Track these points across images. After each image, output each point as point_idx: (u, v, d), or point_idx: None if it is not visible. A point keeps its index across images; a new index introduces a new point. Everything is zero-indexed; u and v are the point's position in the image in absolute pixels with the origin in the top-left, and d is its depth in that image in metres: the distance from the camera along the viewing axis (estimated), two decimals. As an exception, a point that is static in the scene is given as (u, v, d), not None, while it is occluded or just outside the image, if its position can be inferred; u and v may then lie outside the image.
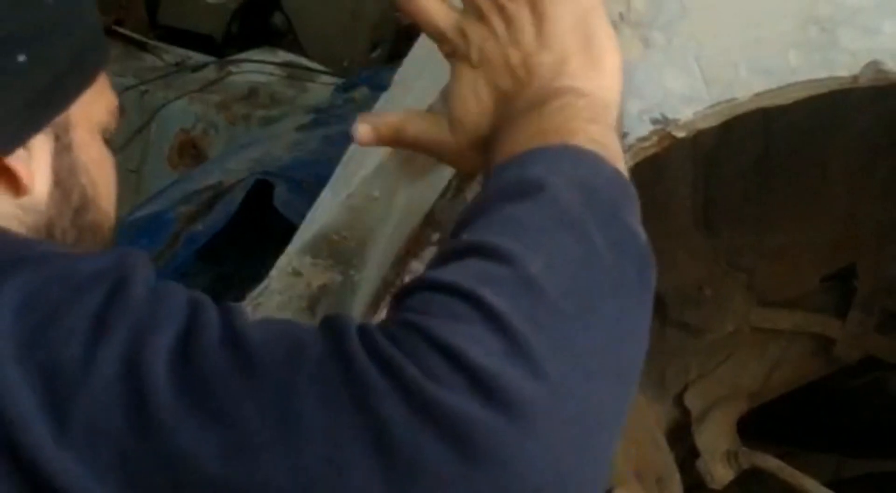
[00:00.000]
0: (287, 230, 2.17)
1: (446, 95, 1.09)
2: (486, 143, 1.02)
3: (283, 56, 4.06)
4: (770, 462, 1.88)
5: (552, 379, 0.80)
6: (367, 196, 1.51)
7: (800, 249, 1.86)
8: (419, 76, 1.59)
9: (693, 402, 1.89)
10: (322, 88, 3.80)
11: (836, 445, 2.19)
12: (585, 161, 0.94)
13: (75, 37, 1.04)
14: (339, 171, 1.76)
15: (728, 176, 1.78)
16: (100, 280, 0.87)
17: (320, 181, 1.99)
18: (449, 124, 1.07)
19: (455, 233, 0.92)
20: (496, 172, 0.95)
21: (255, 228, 2.59)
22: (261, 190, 2.63)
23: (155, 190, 2.99)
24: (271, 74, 3.91)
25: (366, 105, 2.94)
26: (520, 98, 1.02)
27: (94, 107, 1.06)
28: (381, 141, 1.12)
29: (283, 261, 1.65)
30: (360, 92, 3.33)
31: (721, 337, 1.90)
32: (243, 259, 2.50)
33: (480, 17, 1.05)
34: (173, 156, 3.60)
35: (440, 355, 0.80)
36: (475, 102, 1.05)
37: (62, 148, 1.03)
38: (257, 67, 3.95)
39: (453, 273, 0.85)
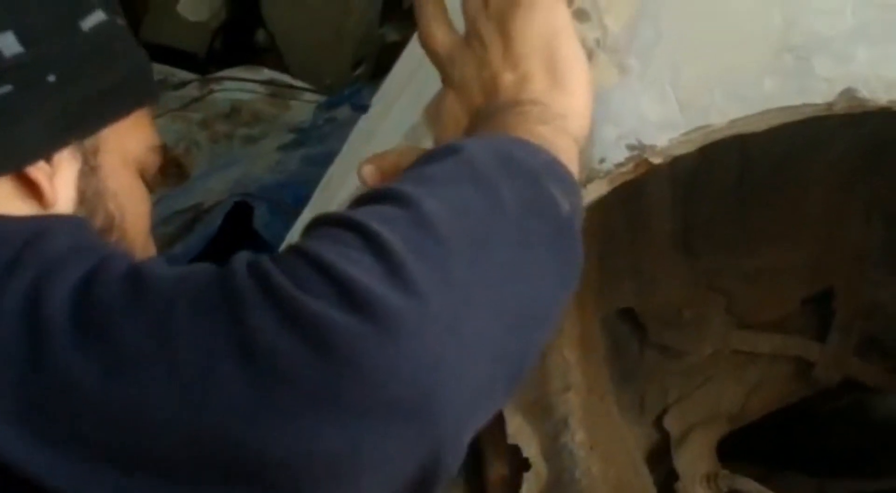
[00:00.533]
0: (266, 250, 2.17)
1: (433, 121, 1.11)
2: None
3: (267, 74, 4.04)
4: (750, 485, 1.87)
5: (424, 298, 0.81)
6: (345, 220, 1.50)
7: (779, 272, 1.86)
8: (399, 96, 1.59)
9: (672, 425, 1.88)
10: (305, 105, 3.79)
11: (817, 466, 2.19)
12: (518, 144, 0.95)
13: (112, 68, 1.08)
14: (318, 193, 1.76)
15: (707, 199, 1.78)
16: (24, 232, 0.91)
17: (300, 203, 1.99)
18: None
19: None
20: None
21: (233, 248, 2.58)
22: (240, 211, 2.62)
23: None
24: (254, 92, 3.90)
25: (347, 125, 2.93)
26: (484, 111, 1.04)
27: (131, 140, 1.10)
28: (385, 180, 1.13)
29: (261, 284, 1.64)
30: (342, 112, 3.33)
31: (700, 360, 1.90)
32: (223, 280, 2.49)
33: (467, 42, 1.08)
34: (155, 174, 3.57)
35: (312, 268, 0.82)
36: (454, 127, 1.07)
37: (89, 170, 1.06)
38: (240, 85, 3.94)
39: (347, 211, 0.88)
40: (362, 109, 3.18)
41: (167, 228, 2.59)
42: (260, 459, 0.80)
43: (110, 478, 0.81)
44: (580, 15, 1.16)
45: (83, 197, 1.06)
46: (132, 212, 1.10)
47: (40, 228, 0.92)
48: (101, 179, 1.07)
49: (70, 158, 1.05)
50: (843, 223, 1.82)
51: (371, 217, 0.85)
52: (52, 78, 1.04)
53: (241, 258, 0.85)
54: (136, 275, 0.86)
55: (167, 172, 1.18)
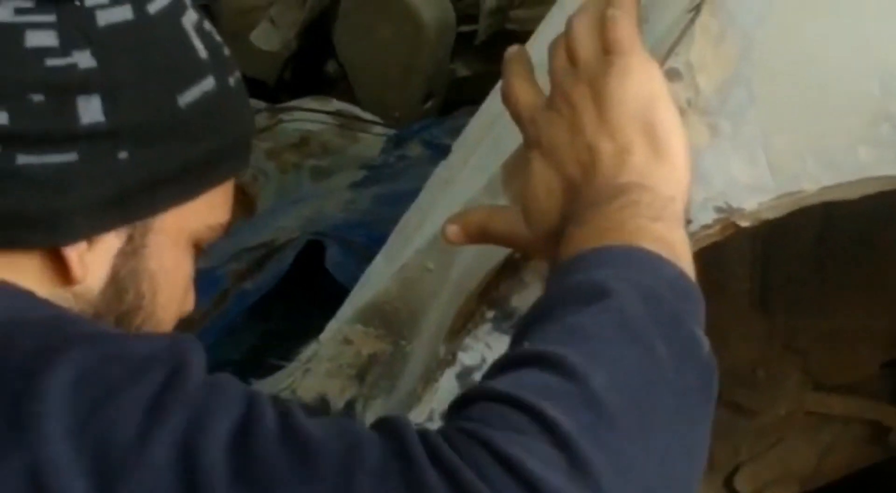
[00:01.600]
0: (337, 289, 2.17)
1: (512, 180, 1.09)
2: (555, 234, 1.01)
3: (336, 105, 4.05)
4: (820, 548, 1.85)
5: None
6: (422, 268, 1.50)
7: (857, 334, 1.83)
8: (479, 145, 1.58)
9: (743, 485, 1.86)
10: (373, 138, 3.79)
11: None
12: (649, 265, 0.93)
13: (198, 146, 0.98)
14: (393, 237, 1.76)
15: (786, 258, 1.76)
16: (157, 364, 0.86)
17: (372, 243, 1.99)
18: (524, 217, 1.06)
19: (518, 335, 0.92)
20: (561, 273, 0.94)
21: (304, 285, 2.58)
22: (312, 249, 2.63)
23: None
24: (323, 123, 3.90)
25: (419, 164, 2.94)
26: (585, 190, 1.01)
27: (193, 219, 1.00)
28: (469, 239, 1.11)
29: (333, 327, 1.64)
30: (412, 148, 3.33)
31: (773, 420, 1.87)
32: (291, 315, 2.50)
33: (551, 104, 1.04)
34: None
35: (500, 466, 0.79)
36: (546, 194, 1.04)
37: (132, 250, 0.97)
38: (309, 116, 3.95)
39: (514, 384, 0.84)
40: (432, 146, 3.20)
41: (238, 265, 2.59)
42: None
43: None
44: (672, 74, 1.15)
45: (116, 276, 0.97)
46: (166, 294, 1.01)
47: (176, 362, 0.86)
48: (141, 259, 0.98)
49: (113, 237, 0.96)
50: (925, 289, 1.80)
51: (537, 395, 0.82)
52: (123, 155, 0.94)
53: (409, 432, 0.82)
54: (293, 433, 0.82)
55: (235, 200, 1.10)
